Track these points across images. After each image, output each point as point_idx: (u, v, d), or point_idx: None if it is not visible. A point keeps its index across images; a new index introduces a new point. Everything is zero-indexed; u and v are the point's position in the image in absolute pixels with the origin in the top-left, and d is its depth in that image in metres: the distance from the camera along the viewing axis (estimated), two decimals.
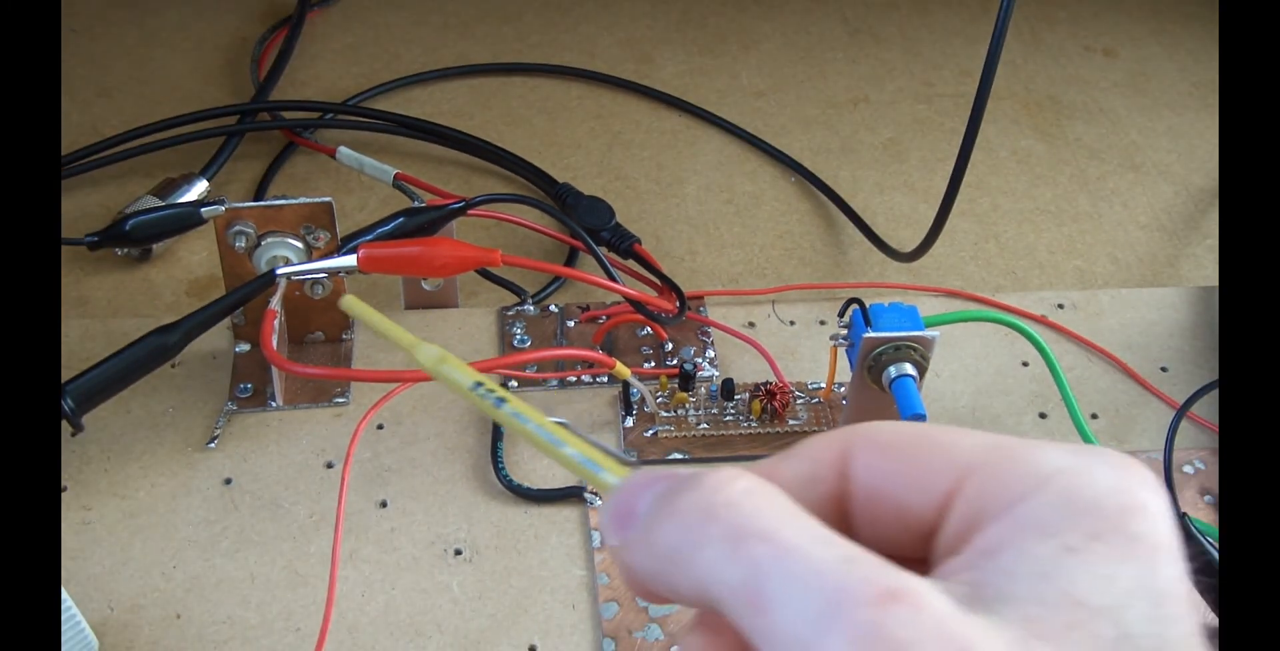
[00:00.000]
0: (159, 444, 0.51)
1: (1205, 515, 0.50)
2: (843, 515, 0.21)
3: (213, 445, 0.51)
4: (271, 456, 0.51)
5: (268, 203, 0.50)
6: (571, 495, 0.49)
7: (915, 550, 0.21)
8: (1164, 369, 0.57)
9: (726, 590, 0.18)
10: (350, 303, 0.28)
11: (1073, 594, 0.18)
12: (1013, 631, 0.17)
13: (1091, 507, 0.18)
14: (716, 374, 0.55)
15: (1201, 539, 0.47)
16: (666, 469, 0.21)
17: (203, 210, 0.51)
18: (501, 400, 0.24)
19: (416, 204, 0.54)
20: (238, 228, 0.50)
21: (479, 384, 0.25)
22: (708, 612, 0.20)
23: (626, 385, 0.52)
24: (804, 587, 0.18)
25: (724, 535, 0.19)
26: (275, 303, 0.48)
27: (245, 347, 0.54)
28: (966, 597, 0.18)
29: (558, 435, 0.24)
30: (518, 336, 0.56)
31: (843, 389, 0.54)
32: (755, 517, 0.19)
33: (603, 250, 0.57)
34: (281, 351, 0.48)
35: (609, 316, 0.56)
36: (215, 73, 0.76)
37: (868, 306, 0.49)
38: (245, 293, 0.50)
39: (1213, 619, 0.40)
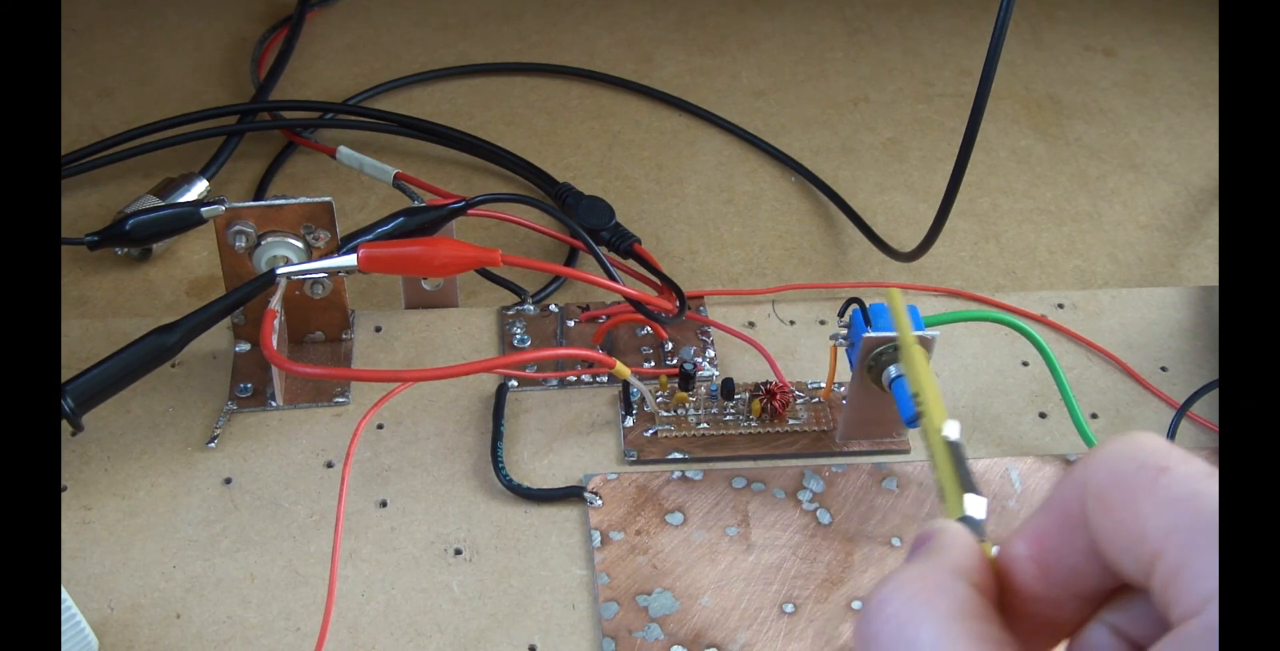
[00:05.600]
0: (159, 444, 0.51)
1: None
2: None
3: (213, 445, 0.51)
4: (271, 456, 0.51)
5: (268, 202, 0.50)
6: (571, 495, 0.49)
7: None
8: (1164, 369, 0.57)
9: None
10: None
11: None
12: None
13: None
14: (716, 373, 0.55)
15: None
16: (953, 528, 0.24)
17: (203, 210, 0.51)
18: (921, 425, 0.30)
19: (416, 204, 0.54)
20: (238, 227, 0.50)
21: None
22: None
23: (626, 385, 0.52)
24: None
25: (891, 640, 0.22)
26: (275, 302, 0.48)
27: (245, 347, 0.54)
28: None
29: (935, 460, 0.28)
30: (518, 336, 0.56)
31: (843, 388, 0.54)
32: (916, 627, 0.22)
33: (603, 250, 0.57)
34: (281, 351, 0.48)
35: (609, 316, 0.56)
36: (215, 73, 0.76)
37: (868, 306, 0.49)
38: (245, 292, 0.50)
39: None
